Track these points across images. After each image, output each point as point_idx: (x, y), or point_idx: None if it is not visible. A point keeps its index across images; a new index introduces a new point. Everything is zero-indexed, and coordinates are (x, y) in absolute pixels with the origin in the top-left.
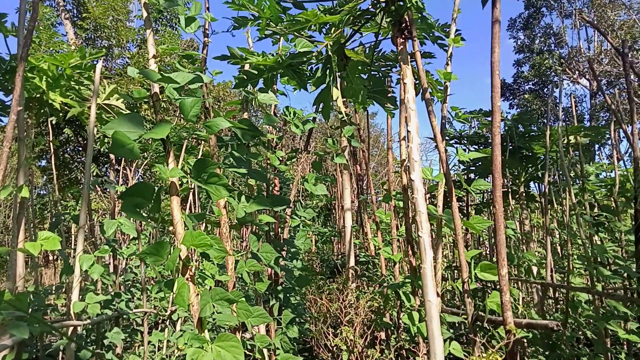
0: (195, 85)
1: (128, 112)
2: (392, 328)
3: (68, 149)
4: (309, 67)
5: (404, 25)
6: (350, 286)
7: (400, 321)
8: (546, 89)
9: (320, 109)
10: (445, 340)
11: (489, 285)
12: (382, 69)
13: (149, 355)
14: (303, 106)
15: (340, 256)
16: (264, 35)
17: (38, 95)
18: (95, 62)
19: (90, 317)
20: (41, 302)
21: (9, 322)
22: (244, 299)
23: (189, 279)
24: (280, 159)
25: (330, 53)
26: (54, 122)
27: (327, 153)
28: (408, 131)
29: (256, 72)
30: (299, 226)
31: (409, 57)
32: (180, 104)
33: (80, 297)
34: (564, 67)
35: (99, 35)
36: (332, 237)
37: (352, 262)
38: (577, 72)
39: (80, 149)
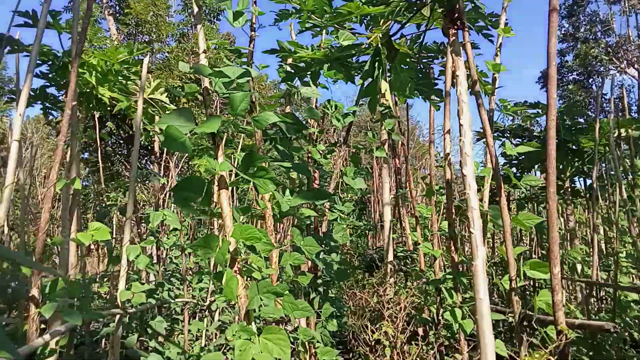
0: (244, 79)
1: (172, 106)
2: (431, 324)
3: (110, 142)
4: (355, 60)
5: (456, 15)
6: (389, 281)
7: (440, 317)
8: (591, 79)
9: (358, 102)
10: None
11: (531, 283)
12: (424, 60)
13: (189, 344)
14: (337, 99)
15: (376, 250)
16: (304, 28)
17: (88, 90)
18: (141, 57)
19: (134, 306)
20: (87, 291)
21: (64, 309)
22: (289, 292)
23: (237, 272)
24: (321, 152)
25: (379, 45)
26: (97, 116)
27: (363, 147)
28: (460, 125)
29: (304, 66)
30: (336, 220)
31: (461, 48)
32: (230, 98)
33: (127, 286)
34: (610, 56)
35: (140, 30)
36: (367, 231)
37: (390, 257)
38: (625, 61)
39: (122, 141)
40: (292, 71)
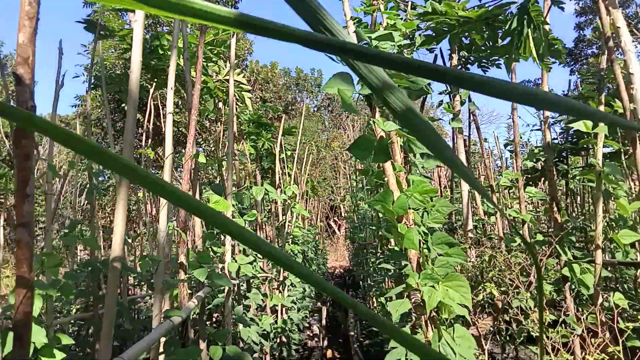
0: (388, 44)
1: (249, 86)
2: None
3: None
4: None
5: None
6: (475, 247)
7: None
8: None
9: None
10: (612, 292)
11: None
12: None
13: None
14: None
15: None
16: None
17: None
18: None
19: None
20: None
21: (212, 274)
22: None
23: (407, 224)
24: None
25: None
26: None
27: (432, 118)
28: (631, 74)
29: (446, 29)
30: None
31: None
32: None
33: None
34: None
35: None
36: None
37: (470, 225)
38: None
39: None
40: (433, 34)
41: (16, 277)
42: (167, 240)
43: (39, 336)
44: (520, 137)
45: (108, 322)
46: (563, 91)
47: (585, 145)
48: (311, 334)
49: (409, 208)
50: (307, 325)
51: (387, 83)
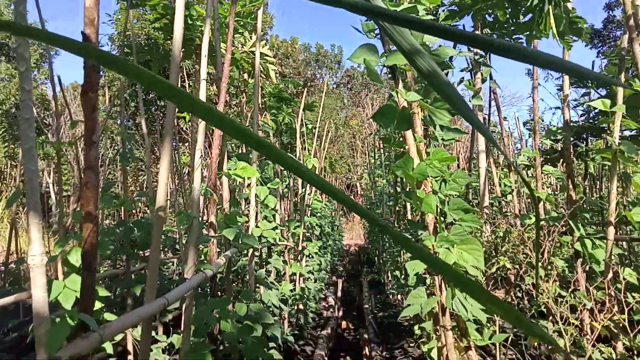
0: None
1: (273, 59)
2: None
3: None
4: None
5: None
6: (486, 221)
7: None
8: None
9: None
10: (622, 267)
11: None
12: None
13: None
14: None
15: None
16: None
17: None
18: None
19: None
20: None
21: (240, 234)
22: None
23: (425, 191)
24: None
25: None
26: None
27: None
28: None
29: (470, 3)
30: None
31: None
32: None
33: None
34: None
35: None
36: None
37: (486, 202)
38: None
39: None
40: (457, 9)
41: (84, 214)
42: (199, 200)
43: (78, 285)
44: (542, 120)
45: (153, 266)
46: None
47: (604, 126)
48: (327, 305)
49: (428, 176)
50: (322, 297)
51: (416, 48)
